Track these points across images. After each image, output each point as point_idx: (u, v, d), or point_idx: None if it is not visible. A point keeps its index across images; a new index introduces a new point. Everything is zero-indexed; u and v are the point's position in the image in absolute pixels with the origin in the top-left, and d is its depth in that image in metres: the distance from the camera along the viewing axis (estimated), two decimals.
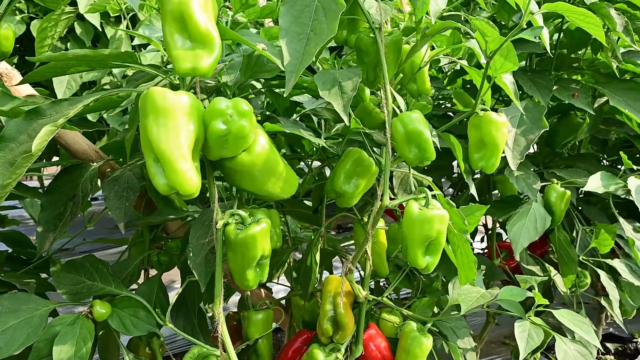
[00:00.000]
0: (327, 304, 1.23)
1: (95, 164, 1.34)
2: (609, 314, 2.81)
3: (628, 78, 1.64)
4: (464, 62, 1.19)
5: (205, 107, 0.81)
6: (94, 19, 2.81)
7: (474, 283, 1.29)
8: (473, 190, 1.18)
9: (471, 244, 2.64)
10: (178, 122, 0.74)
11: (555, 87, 1.62)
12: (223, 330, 0.97)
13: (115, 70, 2.98)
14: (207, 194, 1.58)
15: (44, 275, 1.41)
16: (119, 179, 1.27)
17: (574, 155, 1.99)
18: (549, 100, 1.54)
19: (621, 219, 1.55)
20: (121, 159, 1.51)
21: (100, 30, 2.91)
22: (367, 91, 1.22)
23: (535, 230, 1.54)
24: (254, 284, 0.97)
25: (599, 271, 1.65)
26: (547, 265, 1.79)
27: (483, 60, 1.02)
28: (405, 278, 1.57)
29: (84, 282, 1.11)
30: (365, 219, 1.34)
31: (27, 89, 1.29)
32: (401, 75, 1.21)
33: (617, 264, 1.67)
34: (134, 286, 1.33)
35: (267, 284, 1.81)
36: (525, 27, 0.89)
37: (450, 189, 2.30)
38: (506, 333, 2.88)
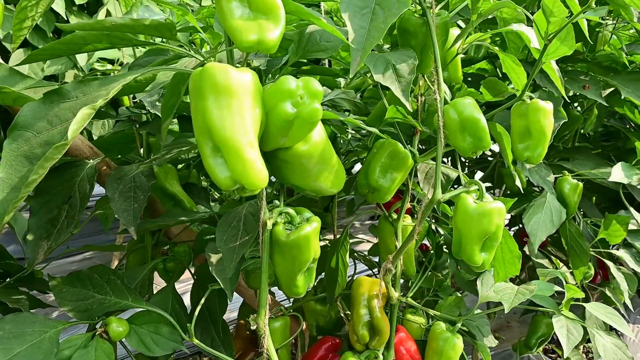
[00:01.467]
0: (360, 307, 1.14)
1: (91, 161, 1.18)
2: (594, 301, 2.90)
3: (631, 70, 1.66)
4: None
5: None
6: (59, 7, 2.57)
7: (507, 280, 1.24)
8: (518, 182, 1.13)
9: None
10: (244, 104, 0.62)
11: (565, 79, 1.61)
12: (269, 344, 0.85)
13: (81, 62, 2.74)
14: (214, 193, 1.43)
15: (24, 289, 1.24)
16: (123, 178, 1.12)
17: (569, 148, 2.01)
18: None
19: (632, 210, 1.56)
20: (119, 155, 1.35)
21: (65, 19, 2.66)
22: None
23: (552, 223, 1.53)
24: (304, 290, 0.86)
25: (608, 263, 1.66)
26: (553, 258, 1.79)
27: (534, 45, 0.96)
28: (425, 276, 1.51)
29: (93, 296, 0.96)
30: (394, 216, 1.26)
31: None
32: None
33: (623, 254, 1.69)
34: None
35: (271, 289, 1.70)
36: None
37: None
38: (494, 327, 2.90)
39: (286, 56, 0.96)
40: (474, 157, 0.96)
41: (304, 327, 1.53)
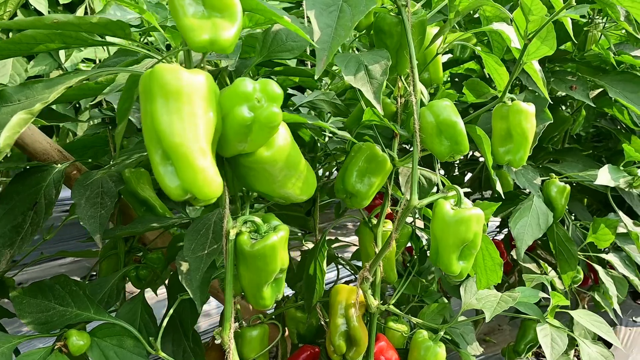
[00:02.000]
0: (337, 317, 1.10)
1: (59, 165, 1.14)
2: (586, 305, 2.87)
3: (619, 70, 1.63)
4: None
5: None
6: (41, 6, 2.51)
7: (491, 287, 1.20)
8: (499, 187, 1.09)
9: None
10: (195, 109, 0.58)
11: (551, 79, 1.58)
12: (234, 359, 0.81)
13: (67, 64, 2.68)
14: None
15: None
16: (92, 183, 1.07)
17: (560, 150, 1.98)
18: (547, 91, 1.50)
19: (621, 213, 1.53)
20: (90, 160, 1.31)
21: None
22: None
23: (538, 227, 1.49)
24: (271, 302, 0.82)
25: (597, 267, 1.63)
26: (542, 262, 1.76)
27: (514, 45, 0.93)
28: (408, 282, 1.47)
29: (54, 308, 0.91)
30: (374, 221, 1.22)
31: None
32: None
33: (612, 258, 1.65)
34: (112, 308, 1.13)
35: None
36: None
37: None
38: (485, 330, 2.87)
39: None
40: (452, 161, 0.92)
41: (286, 334, 1.49)
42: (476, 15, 1.56)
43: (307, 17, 0.70)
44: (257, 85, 0.63)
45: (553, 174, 1.61)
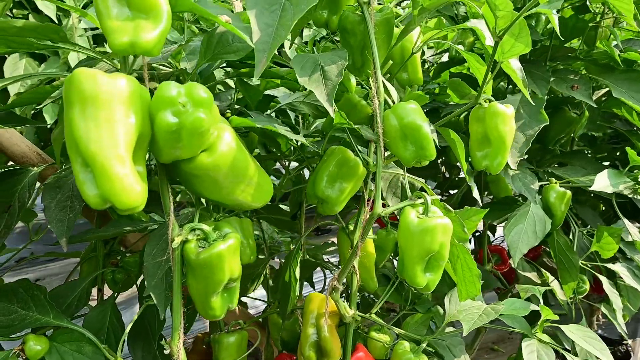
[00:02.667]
0: (308, 327, 1.07)
1: (36, 168, 1.14)
2: (600, 316, 2.74)
3: (624, 68, 1.53)
4: (464, 49, 1.04)
5: None
6: (50, 11, 2.56)
7: (474, 298, 1.14)
8: (476, 193, 1.03)
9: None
10: (113, 114, 0.56)
11: (552, 79, 1.50)
12: None
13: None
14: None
15: None
16: (63, 186, 1.07)
17: (567, 153, 1.88)
18: (546, 93, 1.42)
19: (626, 221, 1.44)
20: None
21: (57, 22, 2.66)
22: (353, 80, 1.06)
23: (534, 234, 1.42)
24: (221, 312, 0.79)
25: (601, 277, 1.54)
26: (543, 271, 1.67)
27: (488, 43, 0.87)
28: (394, 290, 1.42)
29: (16, 311, 0.91)
30: (351, 227, 1.18)
31: None
32: (390, 62, 1.05)
33: (619, 268, 1.56)
34: (86, 310, 1.13)
35: (242, 298, 1.64)
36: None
37: (436, 191, 2.17)
38: (494, 338, 2.77)
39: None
40: (419, 166, 0.87)
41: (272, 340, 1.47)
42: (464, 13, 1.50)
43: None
44: (182, 89, 0.60)
45: (553, 179, 1.52)
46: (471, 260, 1.01)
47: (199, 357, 1.34)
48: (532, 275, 1.67)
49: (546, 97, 1.75)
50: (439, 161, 2.12)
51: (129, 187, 0.57)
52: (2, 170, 1.12)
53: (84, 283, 1.10)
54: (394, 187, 1.26)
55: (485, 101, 0.94)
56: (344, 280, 1.08)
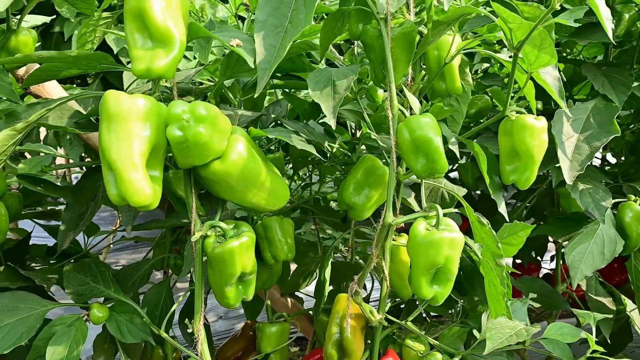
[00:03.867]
0: (333, 325, 1.12)
1: None
2: None
3: None
4: (504, 57, 1.00)
5: None
6: (111, 42, 2.73)
7: (510, 316, 1.09)
8: (503, 209, 0.99)
9: (539, 264, 2.31)
10: (130, 129, 0.68)
11: (636, 84, 1.34)
12: (203, 349, 0.90)
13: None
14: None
15: None
16: None
17: None
18: (624, 100, 1.28)
19: None
20: None
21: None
22: (380, 92, 1.08)
23: (601, 255, 1.29)
24: (235, 302, 0.89)
25: None
26: (623, 297, 1.50)
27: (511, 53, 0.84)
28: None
29: (88, 283, 1.11)
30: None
31: (59, 90, 1.33)
32: (422, 73, 1.05)
33: None
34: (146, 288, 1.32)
35: (297, 293, 1.74)
36: (559, 8, 0.70)
37: (511, 201, 2.04)
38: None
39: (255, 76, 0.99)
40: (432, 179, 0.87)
41: None
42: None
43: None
44: (186, 107, 0.70)
45: (632, 196, 1.36)
46: (495, 278, 0.97)
47: (246, 342, 1.46)
48: (607, 301, 1.50)
49: None
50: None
51: (140, 189, 0.68)
52: (92, 165, 1.36)
53: (146, 265, 1.28)
54: (433, 197, 1.25)
55: (514, 113, 0.90)
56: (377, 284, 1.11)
